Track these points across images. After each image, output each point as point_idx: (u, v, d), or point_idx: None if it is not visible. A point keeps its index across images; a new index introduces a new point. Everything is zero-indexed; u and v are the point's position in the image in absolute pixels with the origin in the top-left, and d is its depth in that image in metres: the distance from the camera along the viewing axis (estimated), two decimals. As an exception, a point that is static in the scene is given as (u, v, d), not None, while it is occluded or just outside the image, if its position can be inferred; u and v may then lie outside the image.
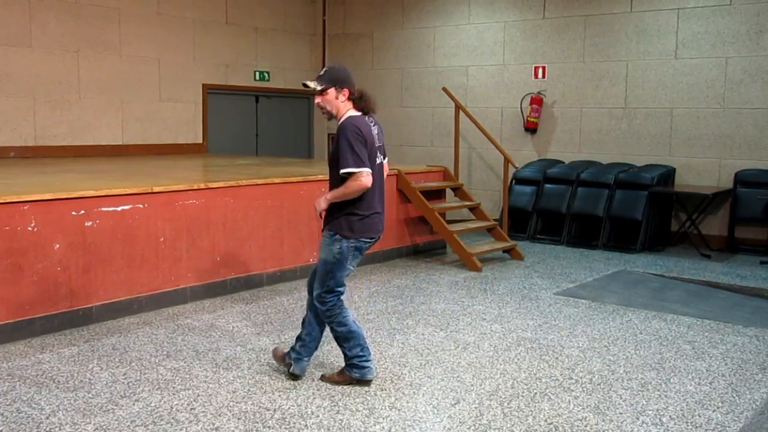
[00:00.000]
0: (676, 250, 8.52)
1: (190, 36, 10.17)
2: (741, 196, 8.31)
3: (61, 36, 8.84)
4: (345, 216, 3.96)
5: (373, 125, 4.03)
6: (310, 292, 4.18)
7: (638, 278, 7.10)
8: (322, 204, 3.98)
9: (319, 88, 3.95)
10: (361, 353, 4.08)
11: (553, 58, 9.66)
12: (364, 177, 3.85)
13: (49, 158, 8.55)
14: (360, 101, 4.00)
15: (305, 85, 4.05)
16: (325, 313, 4.06)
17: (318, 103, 4.00)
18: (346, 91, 3.95)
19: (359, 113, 4.00)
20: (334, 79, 3.95)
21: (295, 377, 4.18)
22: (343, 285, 4.07)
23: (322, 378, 4.19)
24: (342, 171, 3.86)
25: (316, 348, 4.27)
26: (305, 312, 4.26)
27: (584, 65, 9.42)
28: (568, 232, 8.92)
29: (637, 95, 9.07)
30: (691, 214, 8.51)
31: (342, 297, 4.09)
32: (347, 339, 4.07)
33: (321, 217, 4.08)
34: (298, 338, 4.23)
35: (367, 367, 4.09)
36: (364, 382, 4.10)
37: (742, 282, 6.92)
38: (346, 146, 3.84)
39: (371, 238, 4.06)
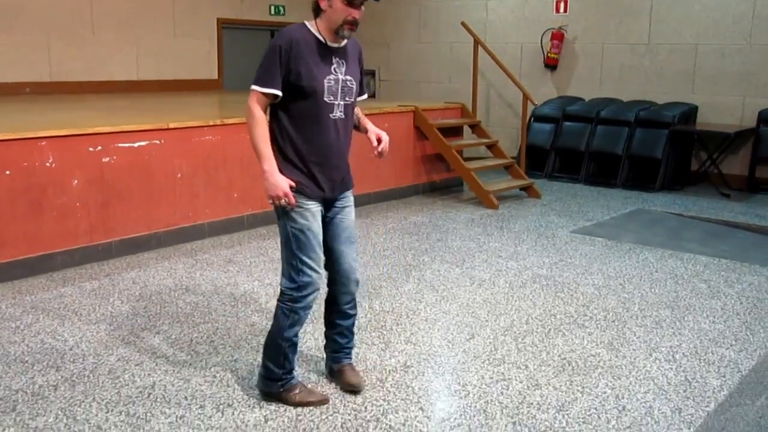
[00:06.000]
0: (695, 189, 8.44)
1: (204, -31, 9.97)
2: (764, 135, 8.15)
3: (74, -31, 8.70)
4: None
5: None
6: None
7: (656, 217, 7.06)
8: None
9: None
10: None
11: (575, -9, 9.39)
12: None
13: (64, 94, 8.53)
14: None
15: None
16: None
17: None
18: None
19: None
20: None
21: None
22: None
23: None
24: (366, 96, 3.22)
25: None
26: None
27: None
28: (586, 171, 8.84)
29: (660, 31, 8.82)
30: (711, 154, 8.39)
31: None
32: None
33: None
34: None
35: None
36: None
37: (761, 222, 6.86)
38: None
39: None
